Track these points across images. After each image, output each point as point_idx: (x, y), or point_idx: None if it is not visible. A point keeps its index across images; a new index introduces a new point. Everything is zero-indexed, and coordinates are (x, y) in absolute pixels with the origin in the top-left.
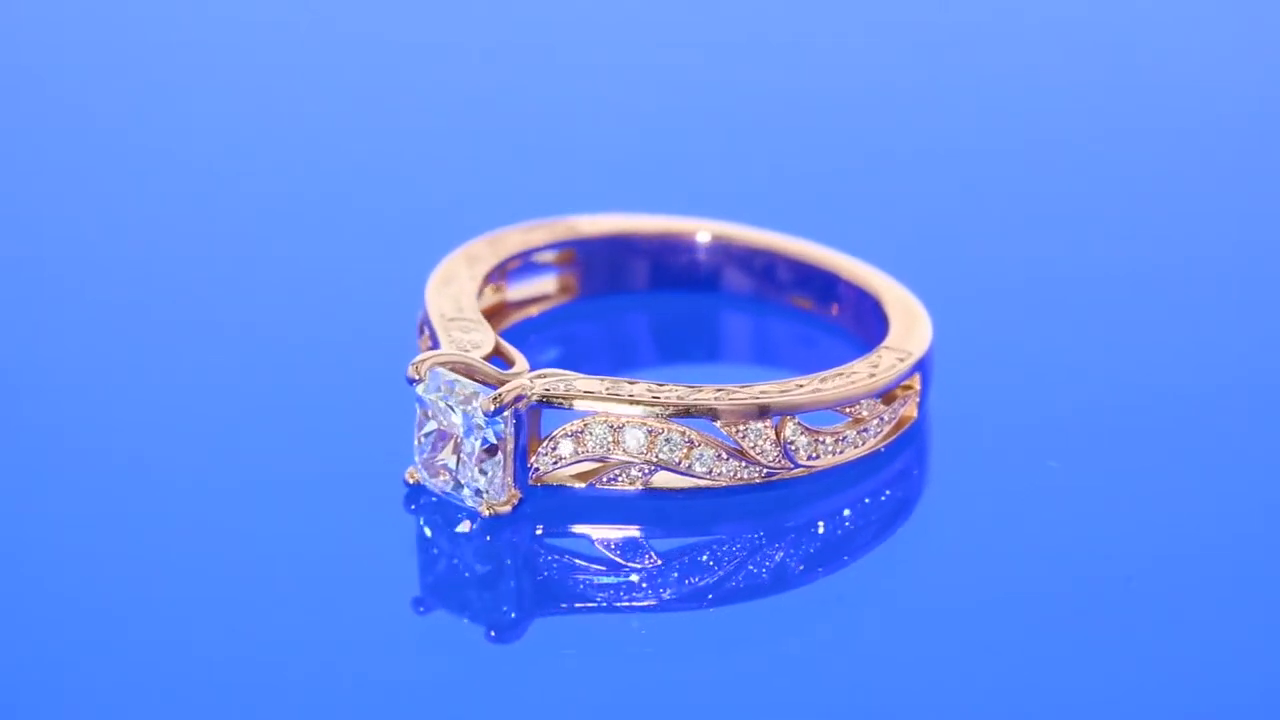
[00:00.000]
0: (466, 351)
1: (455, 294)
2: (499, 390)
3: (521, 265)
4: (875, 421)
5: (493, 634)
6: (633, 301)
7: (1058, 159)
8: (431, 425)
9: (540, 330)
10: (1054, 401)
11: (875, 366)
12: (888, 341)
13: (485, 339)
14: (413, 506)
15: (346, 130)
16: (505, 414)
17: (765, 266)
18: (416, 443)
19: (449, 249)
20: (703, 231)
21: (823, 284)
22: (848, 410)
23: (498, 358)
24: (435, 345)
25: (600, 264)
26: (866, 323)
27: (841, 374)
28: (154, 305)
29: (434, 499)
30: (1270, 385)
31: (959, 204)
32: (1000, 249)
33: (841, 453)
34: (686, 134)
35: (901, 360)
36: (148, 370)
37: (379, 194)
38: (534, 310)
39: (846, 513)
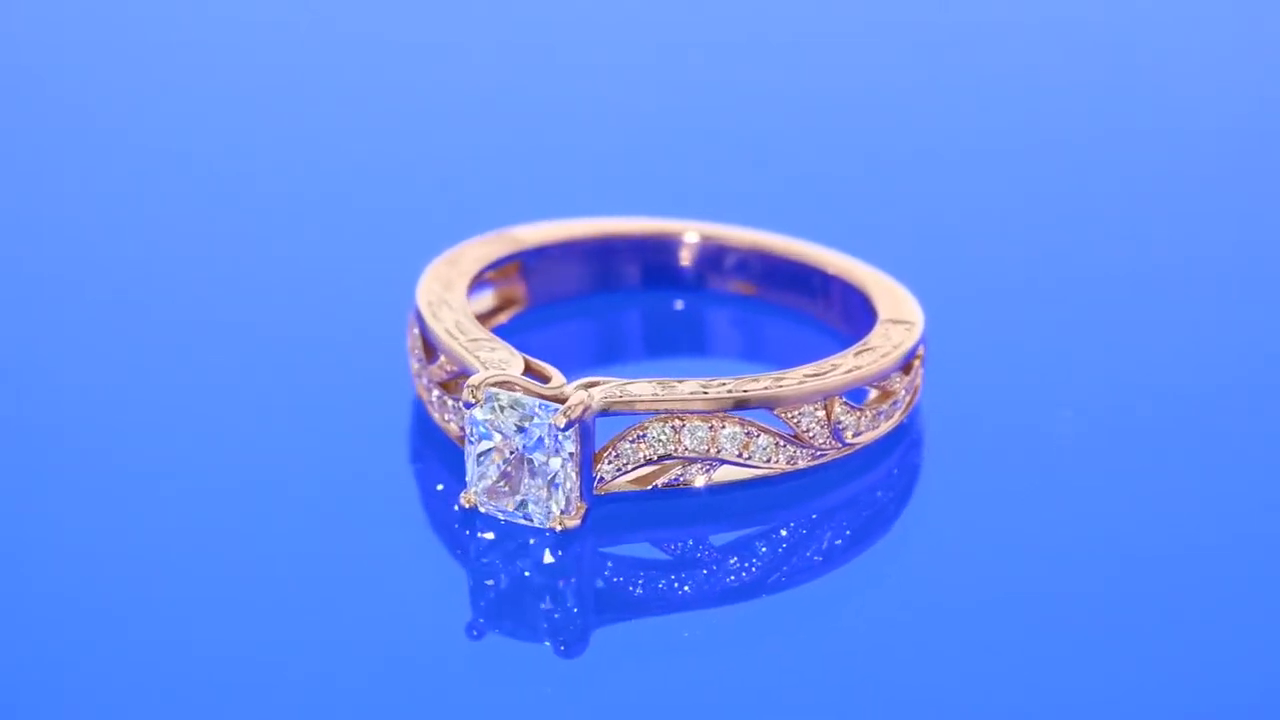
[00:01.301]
0: (503, 370)
1: (456, 318)
2: (566, 405)
3: (478, 282)
4: (901, 392)
5: (563, 648)
6: (586, 306)
7: (1042, 156)
8: (485, 446)
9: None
10: (1039, 391)
11: (888, 339)
12: (884, 316)
13: (514, 357)
14: (468, 532)
15: (324, 133)
16: (575, 428)
17: (741, 263)
18: (470, 466)
19: (407, 259)
20: (690, 232)
21: (807, 277)
22: (879, 385)
23: (529, 373)
24: (464, 370)
25: (550, 272)
26: (852, 313)
27: (869, 349)
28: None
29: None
30: (1265, 383)
31: (935, 202)
32: (977, 247)
33: (878, 427)
34: (656, 135)
35: (910, 329)
36: (141, 373)
37: (348, 199)
38: (503, 318)
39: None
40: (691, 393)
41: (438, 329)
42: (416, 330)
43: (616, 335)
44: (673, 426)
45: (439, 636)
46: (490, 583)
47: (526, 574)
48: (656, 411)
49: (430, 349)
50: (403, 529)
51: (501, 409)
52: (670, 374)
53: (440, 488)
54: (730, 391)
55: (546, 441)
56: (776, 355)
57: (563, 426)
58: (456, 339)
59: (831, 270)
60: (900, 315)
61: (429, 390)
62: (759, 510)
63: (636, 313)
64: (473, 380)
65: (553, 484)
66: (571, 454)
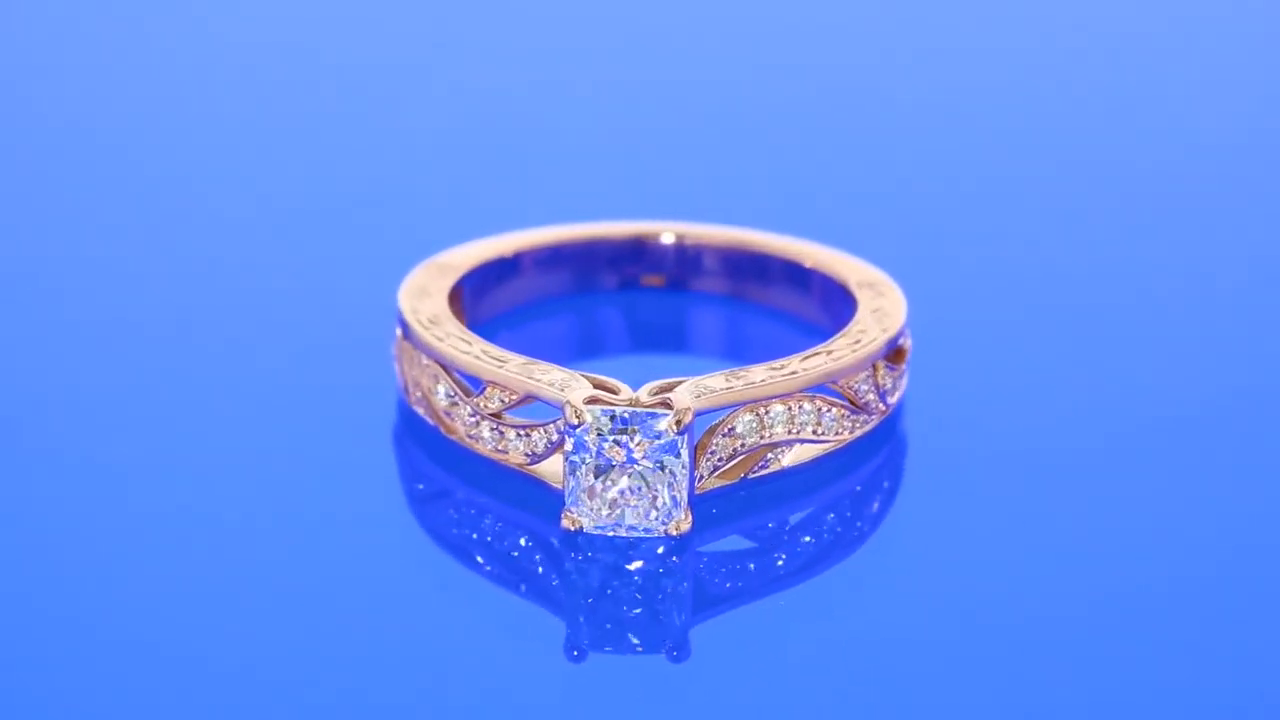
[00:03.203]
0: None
1: (481, 346)
2: (676, 412)
3: None
4: (909, 352)
5: (675, 653)
6: (530, 317)
7: (1029, 155)
8: (588, 460)
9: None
10: (1019, 386)
11: (884, 298)
12: (858, 282)
13: (572, 375)
14: (574, 555)
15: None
16: (685, 434)
17: (697, 256)
18: (572, 488)
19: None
20: (669, 233)
21: (780, 269)
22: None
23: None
24: (530, 396)
25: (496, 289)
26: (831, 302)
27: (878, 310)
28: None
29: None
30: (1251, 388)
31: (913, 200)
32: (958, 243)
33: (902, 385)
34: (595, 139)
35: (889, 287)
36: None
37: (299, 215)
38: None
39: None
40: (764, 379)
41: (471, 360)
42: (438, 368)
43: (592, 341)
44: (757, 415)
45: (558, 658)
46: (603, 606)
47: (638, 582)
48: (742, 402)
49: (463, 384)
50: (493, 555)
51: (599, 425)
52: (656, 375)
53: (491, 524)
54: (795, 372)
55: (649, 451)
56: (760, 350)
57: (679, 432)
58: (502, 367)
59: (809, 263)
60: (877, 280)
61: (474, 425)
62: (822, 483)
63: (606, 316)
64: (573, 399)
65: (662, 491)
66: (680, 458)
